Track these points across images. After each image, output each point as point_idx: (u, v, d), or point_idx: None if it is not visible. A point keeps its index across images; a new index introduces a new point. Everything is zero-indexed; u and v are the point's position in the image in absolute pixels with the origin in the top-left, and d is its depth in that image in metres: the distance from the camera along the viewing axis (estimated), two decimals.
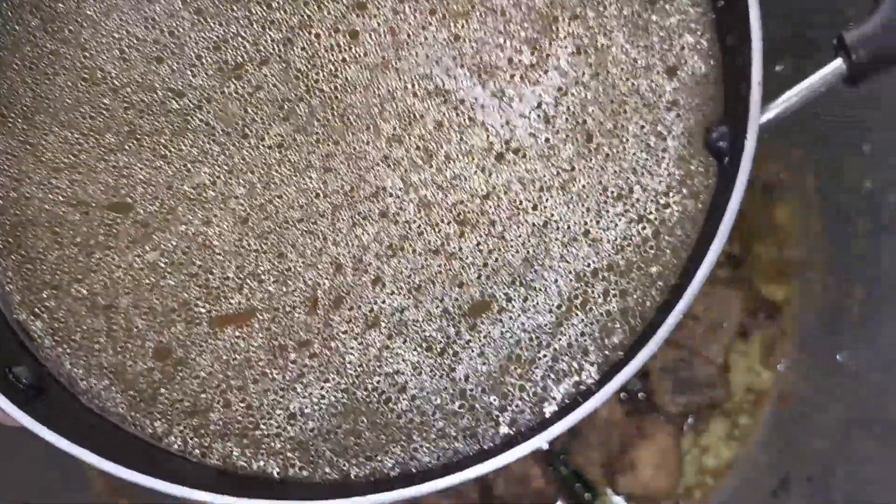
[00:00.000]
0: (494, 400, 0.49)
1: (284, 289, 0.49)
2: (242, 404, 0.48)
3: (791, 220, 0.97)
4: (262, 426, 0.48)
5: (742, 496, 0.93)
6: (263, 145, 0.50)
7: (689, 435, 0.96)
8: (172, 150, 0.50)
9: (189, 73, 0.50)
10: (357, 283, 0.49)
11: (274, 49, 0.50)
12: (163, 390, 0.48)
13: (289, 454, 0.48)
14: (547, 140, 0.50)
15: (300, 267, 0.49)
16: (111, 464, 0.44)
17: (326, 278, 0.49)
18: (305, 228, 0.49)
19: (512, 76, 0.50)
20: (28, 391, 0.47)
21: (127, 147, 0.50)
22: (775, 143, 0.96)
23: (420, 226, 0.49)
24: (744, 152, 0.47)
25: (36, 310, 0.49)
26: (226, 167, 0.50)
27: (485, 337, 0.49)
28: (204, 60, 0.50)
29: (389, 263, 0.49)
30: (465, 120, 0.50)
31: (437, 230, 0.49)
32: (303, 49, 0.50)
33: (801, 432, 0.89)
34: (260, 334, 0.49)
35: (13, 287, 0.49)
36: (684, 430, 0.95)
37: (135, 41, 0.50)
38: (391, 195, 0.49)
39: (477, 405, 0.49)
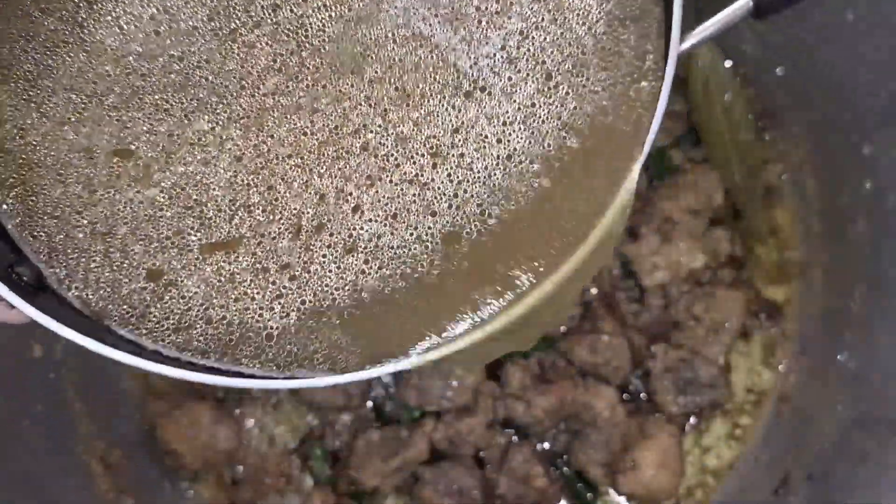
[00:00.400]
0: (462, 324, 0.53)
1: (271, 217, 0.52)
2: (224, 321, 0.52)
3: (791, 221, 0.97)
4: (242, 345, 0.52)
5: (743, 495, 0.93)
6: (259, 94, 0.53)
7: (691, 435, 0.96)
8: (174, 103, 0.53)
9: (187, 41, 0.53)
10: (338, 212, 0.53)
11: (264, 14, 0.53)
12: (152, 309, 0.52)
13: (266, 370, 0.52)
14: (510, 78, 0.54)
15: (287, 198, 0.53)
16: (116, 351, 0.48)
17: (310, 207, 0.53)
18: (294, 163, 0.53)
19: (479, 21, 0.54)
20: (29, 288, 0.50)
21: (131, 105, 0.52)
22: (778, 145, 0.97)
23: (397, 158, 0.53)
24: (665, 76, 0.52)
25: (35, 232, 0.51)
26: (224, 114, 0.53)
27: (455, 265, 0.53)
28: (200, 30, 0.53)
29: (368, 193, 0.53)
30: (438, 62, 0.54)
31: (412, 162, 0.53)
32: (291, 11, 0.54)
33: (801, 432, 0.89)
34: (245, 258, 0.52)
35: (14, 212, 0.51)
36: (686, 430, 0.96)
37: (132, 18, 0.53)
38: (371, 131, 0.53)
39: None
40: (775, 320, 0.97)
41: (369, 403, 0.96)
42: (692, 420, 0.96)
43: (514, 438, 0.95)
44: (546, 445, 0.95)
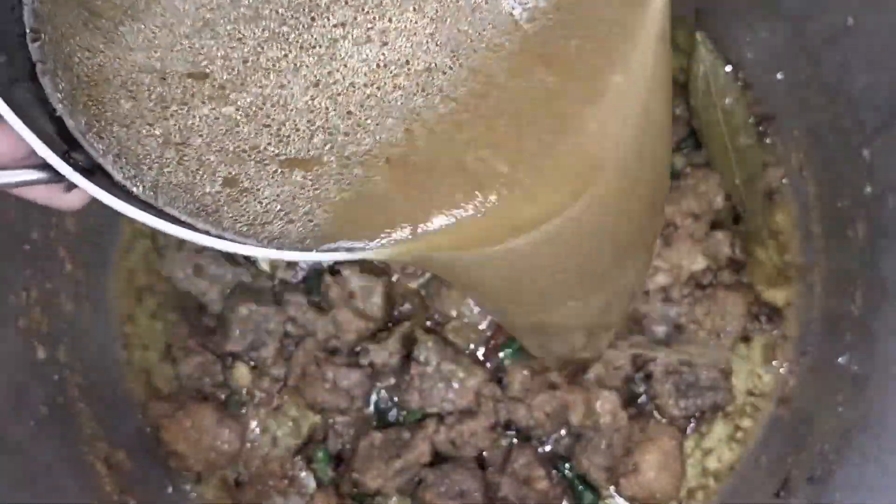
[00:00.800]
0: None
1: (354, 140, 0.53)
2: (311, 223, 0.51)
3: (791, 225, 0.98)
4: (324, 244, 0.52)
5: (744, 497, 0.94)
6: (329, 25, 0.54)
7: (692, 437, 0.96)
8: (247, 33, 0.53)
9: None
10: (425, 147, 0.52)
11: None
12: (226, 208, 0.51)
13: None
14: (563, 36, 0.54)
15: (369, 126, 0.53)
16: (180, 228, 0.48)
17: (395, 137, 0.53)
18: (370, 93, 0.53)
19: None
20: (85, 171, 0.49)
21: (203, 34, 0.53)
22: (777, 149, 0.98)
23: (473, 101, 0.53)
24: None
25: (102, 135, 0.51)
26: (297, 44, 0.53)
27: None
28: None
29: (457, 136, 0.53)
30: (493, 7, 0.54)
31: (485, 104, 0.53)
32: None
33: (802, 434, 0.89)
34: (329, 176, 0.52)
35: (80, 119, 0.51)
36: (687, 432, 0.96)
37: None
38: (442, 72, 0.54)
39: None
40: (775, 323, 0.97)
41: (371, 405, 0.97)
42: (693, 423, 0.96)
43: (516, 441, 0.95)
44: (548, 448, 0.96)
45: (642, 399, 0.96)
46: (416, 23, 0.54)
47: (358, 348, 0.96)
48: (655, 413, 0.95)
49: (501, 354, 0.96)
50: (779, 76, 0.93)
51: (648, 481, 0.92)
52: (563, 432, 0.95)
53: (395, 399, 0.96)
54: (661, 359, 0.94)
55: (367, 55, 0.54)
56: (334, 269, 0.96)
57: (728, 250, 0.97)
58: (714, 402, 0.94)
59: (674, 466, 0.93)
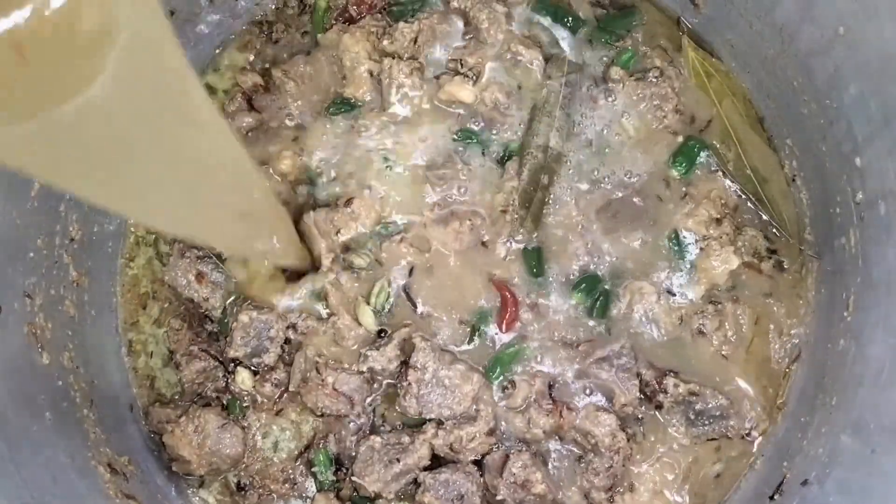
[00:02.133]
0: None
1: None
2: None
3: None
4: None
5: (740, 502, 0.94)
6: None
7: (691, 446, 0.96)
8: None
9: None
10: None
11: None
12: None
13: None
14: None
15: None
16: None
17: None
18: None
19: None
20: None
21: None
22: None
23: None
24: None
25: None
26: None
27: None
28: None
29: None
30: None
31: None
32: None
33: (797, 438, 0.90)
34: None
35: None
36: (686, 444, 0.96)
37: None
38: None
39: None
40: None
41: (371, 410, 0.98)
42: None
43: (514, 445, 0.96)
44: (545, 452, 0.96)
45: (641, 418, 0.95)
46: None
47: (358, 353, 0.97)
48: (654, 434, 0.95)
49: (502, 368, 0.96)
50: (773, 84, 0.94)
51: (644, 501, 0.93)
52: (557, 445, 0.96)
53: (395, 404, 0.97)
54: (670, 389, 0.94)
55: None
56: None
57: (764, 241, 0.97)
58: (725, 428, 0.94)
59: (670, 487, 0.93)
